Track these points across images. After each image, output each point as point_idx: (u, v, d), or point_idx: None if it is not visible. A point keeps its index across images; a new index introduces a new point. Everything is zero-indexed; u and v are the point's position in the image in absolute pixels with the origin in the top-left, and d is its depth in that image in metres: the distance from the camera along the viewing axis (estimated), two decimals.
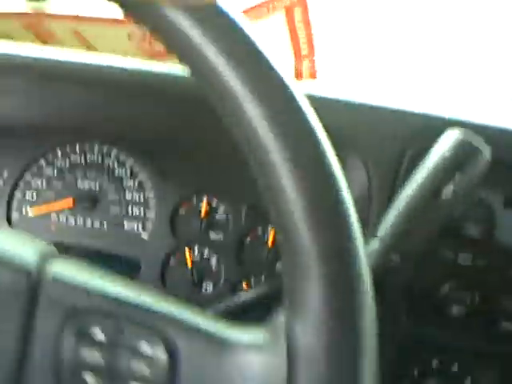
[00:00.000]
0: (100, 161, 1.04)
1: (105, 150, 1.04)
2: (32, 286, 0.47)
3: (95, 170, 1.03)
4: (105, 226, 1.03)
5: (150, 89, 0.94)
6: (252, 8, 1.01)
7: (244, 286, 1.02)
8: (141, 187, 1.03)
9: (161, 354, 0.46)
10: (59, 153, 1.04)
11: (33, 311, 0.46)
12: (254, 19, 0.99)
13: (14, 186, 1.02)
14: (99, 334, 0.46)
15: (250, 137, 0.43)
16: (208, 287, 1.02)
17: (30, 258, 0.48)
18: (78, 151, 1.04)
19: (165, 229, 1.02)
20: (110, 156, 1.04)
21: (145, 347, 0.46)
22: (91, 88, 0.94)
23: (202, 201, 1.03)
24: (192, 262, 1.02)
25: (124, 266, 1.02)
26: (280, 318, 0.46)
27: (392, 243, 0.72)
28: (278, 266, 1.03)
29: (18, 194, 1.03)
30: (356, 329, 0.42)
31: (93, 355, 0.46)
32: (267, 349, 0.45)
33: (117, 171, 1.04)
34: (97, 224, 1.03)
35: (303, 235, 0.42)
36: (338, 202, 0.43)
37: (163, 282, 1.01)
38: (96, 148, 1.04)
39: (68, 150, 1.04)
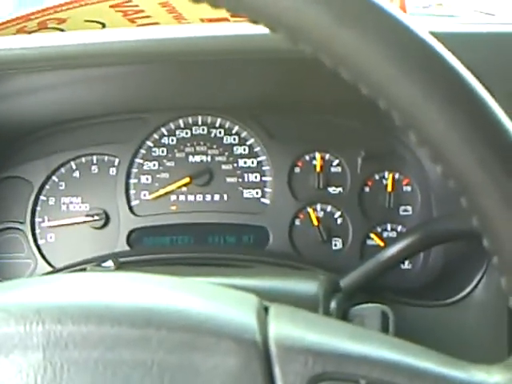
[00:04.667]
0: (207, 132, 1.01)
1: (209, 120, 1.01)
2: (266, 361, 0.42)
3: (204, 143, 1.01)
4: (224, 198, 1.00)
5: (242, 53, 0.90)
6: None
7: (373, 237, 0.99)
8: (252, 153, 1.00)
9: None
10: (165, 131, 1.01)
11: None
12: None
13: (128, 173, 1.01)
14: None
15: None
16: (337, 243, 0.99)
17: (249, 324, 0.43)
18: (182, 126, 1.01)
19: (284, 191, 0.99)
20: (215, 126, 1.01)
21: None
22: (182, 62, 0.90)
23: (314, 157, 1.00)
24: (317, 220, 0.99)
25: (252, 236, 0.99)
26: None
27: None
28: (401, 210, 0.99)
29: (133, 181, 1.01)
30: None
31: None
32: None
33: (225, 140, 1.01)
34: (216, 197, 1.00)
35: None
36: None
37: (292, 245, 0.99)
38: (200, 120, 1.01)
39: (173, 126, 1.01)
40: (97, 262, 0.87)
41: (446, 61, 0.37)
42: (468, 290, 0.89)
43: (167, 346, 0.42)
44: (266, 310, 0.47)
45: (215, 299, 0.48)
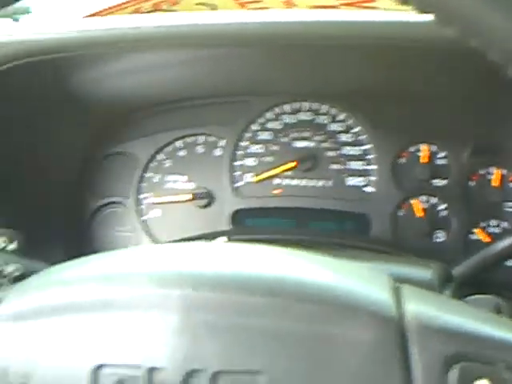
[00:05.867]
0: (312, 118, 1.01)
1: (315, 106, 1.01)
2: (401, 337, 0.42)
3: (309, 129, 1.01)
4: (328, 184, 1.00)
5: (351, 39, 0.89)
6: None
7: (477, 232, 0.97)
8: (357, 141, 1.00)
9: None
10: (271, 116, 1.02)
11: (409, 365, 0.41)
12: None
13: (233, 155, 1.01)
14: None
15: None
16: (439, 236, 0.98)
17: (385, 301, 0.44)
18: (288, 112, 1.02)
19: (388, 181, 0.99)
20: (321, 112, 1.01)
21: None
22: (290, 47, 0.91)
23: (420, 148, 0.99)
24: (421, 211, 0.98)
25: (353, 223, 0.99)
26: None
27: None
28: (506, 207, 0.97)
29: (237, 163, 1.02)
30: None
31: None
32: None
33: (331, 127, 1.01)
34: (320, 183, 1.00)
35: None
36: None
37: (394, 235, 0.98)
38: (306, 106, 1.01)
39: (278, 111, 1.02)
40: (208, 238, 0.88)
41: None
42: None
43: (306, 318, 0.43)
44: (398, 289, 0.46)
45: (350, 275, 0.48)
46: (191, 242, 0.57)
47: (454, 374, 0.41)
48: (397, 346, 0.42)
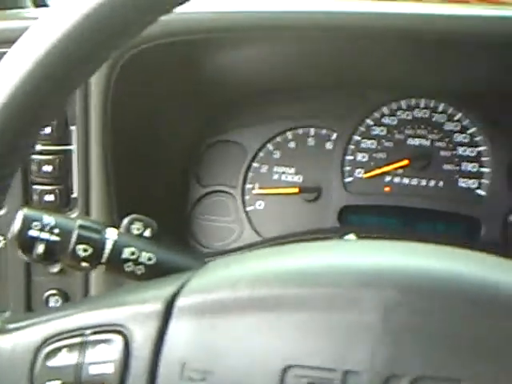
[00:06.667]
0: (428, 116, 0.99)
1: (432, 104, 0.98)
2: None
3: (424, 127, 0.98)
4: (439, 185, 0.98)
5: (475, 36, 0.86)
6: None
7: None
8: (473, 142, 0.97)
9: None
10: (386, 111, 0.99)
11: None
12: None
13: (345, 149, 0.99)
14: None
15: None
16: None
17: None
18: (404, 108, 0.99)
19: (502, 184, 0.96)
20: (437, 111, 0.98)
21: None
22: (412, 41, 0.88)
23: None
24: None
25: (463, 226, 0.96)
26: None
27: None
28: None
29: (349, 157, 1.00)
30: None
31: None
32: None
33: (446, 126, 0.98)
34: (431, 183, 0.98)
35: None
36: None
37: (505, 241, 0.95)
38: (422, 103, 0.99)
39: (394, 107, 0.99)
40: (339, 235, 0.87)
41: None
42: None
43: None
44: None
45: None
46: (376, 239, 0.55)
47: None
48: None
